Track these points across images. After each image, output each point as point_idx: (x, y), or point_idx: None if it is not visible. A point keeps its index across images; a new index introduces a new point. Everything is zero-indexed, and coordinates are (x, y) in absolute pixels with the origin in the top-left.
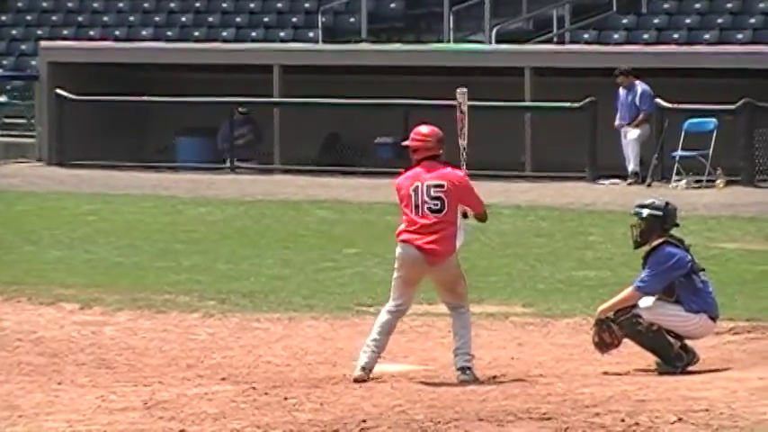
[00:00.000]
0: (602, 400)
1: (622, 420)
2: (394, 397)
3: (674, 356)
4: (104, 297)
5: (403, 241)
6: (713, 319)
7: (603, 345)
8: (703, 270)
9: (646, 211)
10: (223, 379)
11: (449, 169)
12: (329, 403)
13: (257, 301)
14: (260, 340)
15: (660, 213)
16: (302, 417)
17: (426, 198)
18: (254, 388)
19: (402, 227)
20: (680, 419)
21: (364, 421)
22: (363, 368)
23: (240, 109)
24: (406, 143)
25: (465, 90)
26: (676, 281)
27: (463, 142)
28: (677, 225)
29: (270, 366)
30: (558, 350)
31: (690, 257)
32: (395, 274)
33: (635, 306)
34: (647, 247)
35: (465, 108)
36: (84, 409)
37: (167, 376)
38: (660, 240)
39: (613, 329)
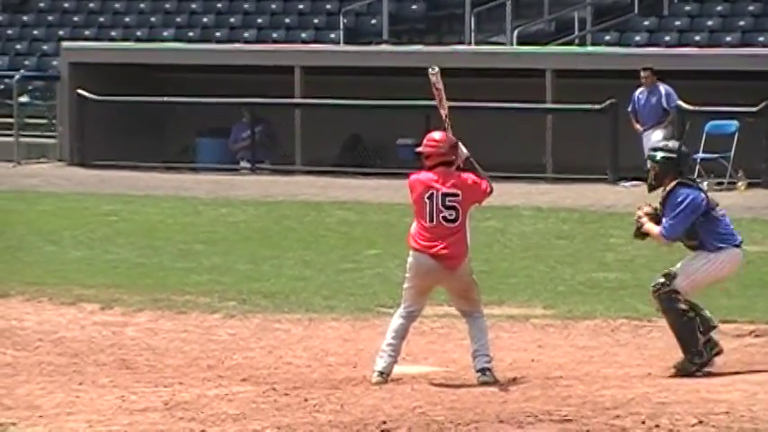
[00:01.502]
0: (622, 402)
1: (643, 423)
2: (414, 398)
3: (695, 351)
4: (125, 298)
5: (417, 250)
6: (737, 246)
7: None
8: (718, 204)
9: (660, 154)
10: (244, 380)
11: (462, 175)
12: (350, 404)
13: (278, 302)
14: (281, 341)
15: (674, 155)
16: (323, 418)
17: (442, 207)
18: (274, 389)
19: (414, 233)
20: (700, 422)
21: (384, 423)
22: (381, 373)
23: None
24: (419, 149)
25: (437, 69)
26: (698, 222)
27: (444, 111)
28: (691, 168)
29: (290, 367)
30: (579, 352)
31: (704, 196)
32: (406, 284)
33: (673, 277)
34: (661, 193)
35: (440, 85)
36: (105, 409)
37: (188, 377)
38: (674, 183)
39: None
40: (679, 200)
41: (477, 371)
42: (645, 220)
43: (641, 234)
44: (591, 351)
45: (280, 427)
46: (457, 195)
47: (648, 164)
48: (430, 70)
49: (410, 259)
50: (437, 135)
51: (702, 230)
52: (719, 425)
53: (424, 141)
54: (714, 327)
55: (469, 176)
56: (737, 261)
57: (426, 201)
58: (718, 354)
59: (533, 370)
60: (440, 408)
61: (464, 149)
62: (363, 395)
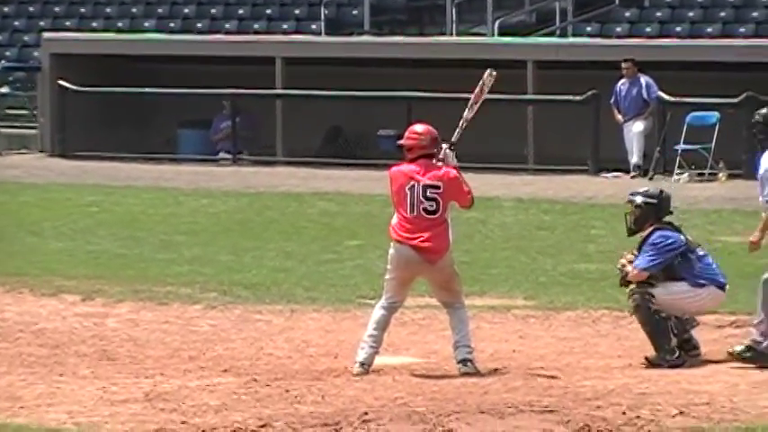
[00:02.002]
0: (603, 393)
1: (624, 413)
2: (395, 389)
3: (668, 349)
4: (106, 289)
5: (398, 241)
6: (722, 288)
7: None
8: (700, 246)
9: (640, 199)
10: (225, 371)
11: (443, 169)
12: (331, 395)
13: (259, 294)
14: (262, 332)
15: (655, 201)
16: (304, 409)
17: (422, 198)
18: (255, 380)
19: (395, 225)
20: (681, 413)
21: (366, 413)
22: (362, 364)
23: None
24: (400, 142)
25: (494, 73)
26: (676, 262)
27: (468, 114)
28: (671, 213)
29: (272, 358)
30: (560, 343)
31: (684, 238)
32: (388, 276)
33: (651, 285)
34: (639, 237)
35: (486, 89)
36: (86, 400)
37: (169, 368)
38: (651, 228)
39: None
40: (655, 240)
41: (459, 362)
42: (629, 268)
43: (627, 282)
44: (572, 342)
45: (261, 418)
46: (438, 188)
47: (628, 207)
48: (488, 71)
49: (391, 251)
50: (419, 128)
51: (682, 270)
52: (700, 415)
53: (406, 134)
54: (695, 326)
55: (455, 174)
56: (718, 300)
57: (407, 192)
58: (696, 356)
59: (514, 361)
60: (421, 399)
61: (454, 160)
62: (344, 386)
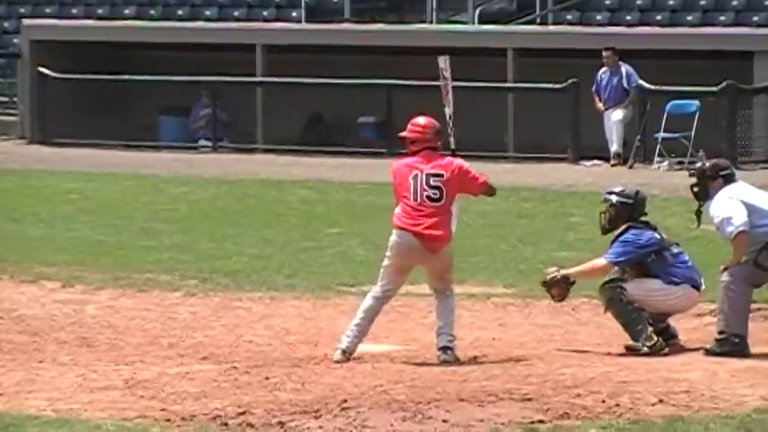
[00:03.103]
0: (583, 381)
1: (603, 401)
2: (375, 377)
3: (645, 336)
4: (86, 275)
5: (401, 228)
6: (696, 288)
7: (551, 295)
8: (677, 244)
9: (615, 198)
10: (204, 358)
11: (447, 159)
12: (310, 383)
13: (239, 281)
14: (241, 320)
15: (630, 201)
16: (283, 396)
17: (426, 186)
18: (235, 367)
19: (399, 212)
20: (661, 401)
21: (345, 401)
22: (344, 351)
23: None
24: (403, 134)
25: (447, 57)
26: (649, 260)
27: (449, 110)
28: (645, 213)
29: (251, 346)
30: (540, 331)
31: (658, 236)
32: (386, 261)
33: (623, 280)
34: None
35: (448, 74)
36: (65, 387)
37: (148, 355)
38: (624, 227)
39: (562, 289)
40: (627, 237)
41: (439, 348)
42: (562, 272)
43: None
44: (552, 330)
45: (240, 405)
46: (441, 176)
47: (603, 206)
48: (440, 57)
49: (393, 237)
50: (422, 120)
51: (656, 268)
52: (680, 403)
53: (409, 126)
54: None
55: (463, 164)
56: (692, 301)
57: (411, 181)
58: (675, 345)
59: (494, 349)
60: (401, 386)
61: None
62: (324, 374)
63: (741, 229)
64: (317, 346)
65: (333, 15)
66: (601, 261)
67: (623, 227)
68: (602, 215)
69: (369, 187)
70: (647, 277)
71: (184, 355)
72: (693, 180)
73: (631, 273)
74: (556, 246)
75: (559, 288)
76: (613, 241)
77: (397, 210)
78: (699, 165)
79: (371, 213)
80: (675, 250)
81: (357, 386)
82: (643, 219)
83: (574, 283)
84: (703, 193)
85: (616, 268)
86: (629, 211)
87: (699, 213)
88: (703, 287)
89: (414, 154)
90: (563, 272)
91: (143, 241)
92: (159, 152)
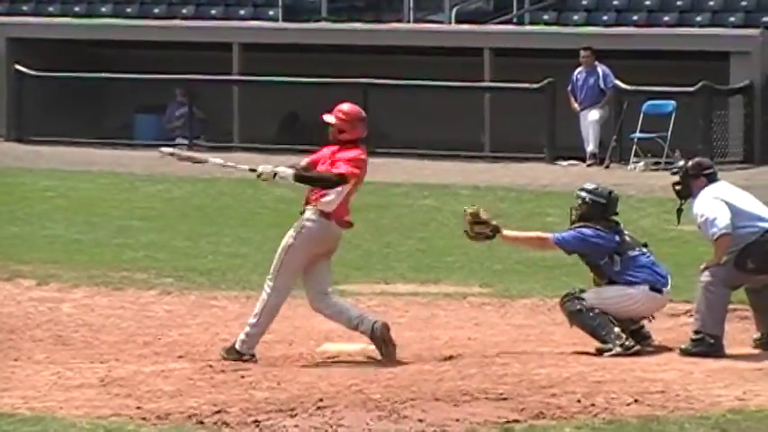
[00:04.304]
0: (558, 380)
1: (578, 401)
2: (350, 376)
3: (613, 336)
4: (61, 273)
5: (348, 224)
6: (658, 291)
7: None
8: (643, 245)
9: (588, 196)
10: (180, 357)
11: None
12: (286, 382)
13: (215, 279)
14: (217, 318)
15: (603, 201)
16: (259, 395)
17: None
18: (210, 366)
19: (341, 208)
20: (636, 401)
21: (321, 400)
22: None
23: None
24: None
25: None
26: (602, 262)
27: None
28: (616, 213)
29: (227, 344)
30: (515, 331)
31: (619, 239)
32: (299, 253)
33: (582, 291)
34: None
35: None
36: (41, 385)
37: (124, 353)
38: (580, 224)
39: (484, 234)
40: (585, 232)
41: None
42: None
43: (478, 230)
44: (527, 330)
45: (216, 403)
46: None
47: (575, 202)
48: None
49: (331, 228)
50: (345, 107)
51: (608, 270)
52: (655, 404)
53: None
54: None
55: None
56: (656, 304)
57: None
58: (648, 345)
59: (470, 348)
60: (376, 385)
61: (287, 170)
62: (300, 373)
63: (724, 231)
64: (292, 345)
65: (310, 14)
66: (548, 235)
67: (579, 225)
68: (573, 210)
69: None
70: (601, 278)
71: (160, 353)
72: (675, 178)
73: (597, 280)
74: None
75: (484, 233)
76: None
77: (338, 202)
78: (681, 163)
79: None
80: (633, 253)
81: (333, 385)
82: (613, 218)
83: (494, 237)
84: (685, 192)
85: (562, 252)
86: (600, 210)
87: (680, 211)
88: (667, 288)
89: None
90: (505, 232)
91: (118, 239)
92: (135, 150)
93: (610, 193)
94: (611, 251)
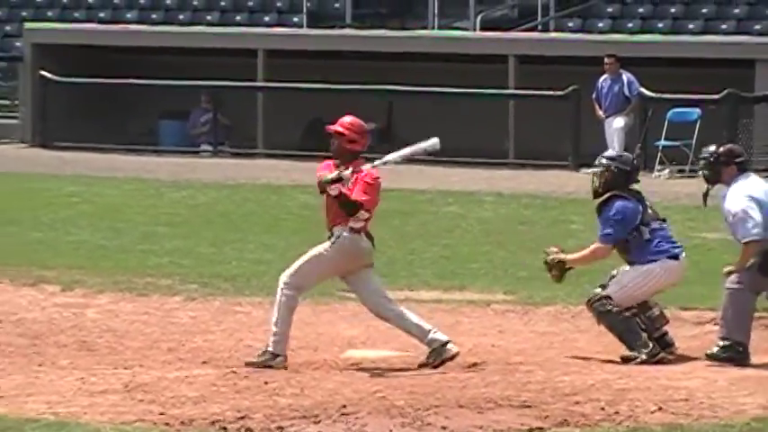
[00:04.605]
0: (582, 388)
1: (602, 409)
2: (374, 383)
3: (640, 344)
4: (86, 279)
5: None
6: (675, 257)
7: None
8: (662, 220)
9: (614, 164)
10: (204, 363)
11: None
12: (310, 388)
13: (239, 286)
14: (241, 324)
15: (628, 169)
16: (282, 401)
17: None
18: (234, 372)
19: (366, 221)
20: (660, 408)
21: (344, 406)
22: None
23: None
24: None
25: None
26: (630, 237)
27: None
28: (638, 181)
29: (251, 350)
30: (539, 338)
31: (641, 208)
32: (328, 264)
33: (603, 287)
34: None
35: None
36: (65, 391)
37: (148, 359)
38: (610, 194)
39: (560, 272)
40: (612, 213)
41: None
42: (561, 256)
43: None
44: (551, 337)
45: (239, 410)
46: None
47: (598, 170)
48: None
49: (361, 243)
50: (347, 119)
51: (633, 245)
52: (679, 411)
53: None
54: (665, 323)
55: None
56: (675, 272)
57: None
58: (671, 353)
59: (493, 355)
60: (399, 392)
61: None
62: (323, 379)
63: (755, 237)
64: (316, 351)
65: (334, 21)
66: (597, 245)
67: (609, 194)
68: (596, 178)
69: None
70: (625, 251)
71: (184, 359)
72: (703, 163)
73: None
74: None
75: (558, 271)
76: (599, 211)
77: (365, 216)
78: (712, 148)
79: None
80: (655, 225)
81: (356, 392)
82: (634, 187)
83: (570, 269)
84: (714, 177)
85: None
86: (624, 177)
87: (706, 195)
88: (683, 255)
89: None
90: (562, 256)
91: (143, 245)
92: (160, 156)
93: (633, 160)
94: (637, 223)
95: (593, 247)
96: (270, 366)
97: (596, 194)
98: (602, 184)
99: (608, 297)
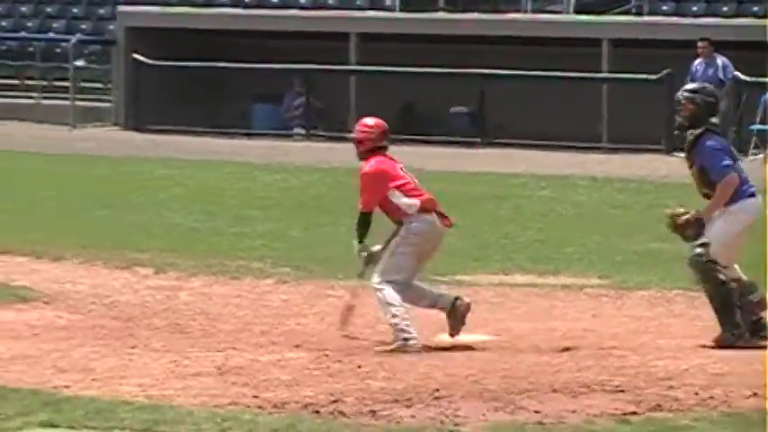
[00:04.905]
0: (676, 373)
1: (696, 394)
2: (467, 367)
3: (734, 323)
4: (179, 262)
5: (439, 213)
6: (752, 195)
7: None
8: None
9: (699, 97)
10: (296, 346)
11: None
12: (402, 372)
13: (331, 269)
14: (333, 308)
15: (714, 100)
16: (375, 385)
17: (414, 177)
18: (327, 355)
19: (424, 200)
20: (755, 394)
21: (437, 390)
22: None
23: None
24: (352, 136)
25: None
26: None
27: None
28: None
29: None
30: (633, 322)
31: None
32: (407, 249)
33: (702, 244)
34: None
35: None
36: (158, 373)
37: (241, 342)
38: (703, 129)
39: (696, 229)
40: (716, 145)
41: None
42: (693, 213)
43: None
44: (645, 322)
45: (332, 393)
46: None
47: (685, 104)
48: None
49: (426, 222)
50: (370, 121)
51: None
52: None
53: (357, 128)
54: (763, 308)
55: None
56: (754, 209)
57: (404, 173)
58: (763, 337)
59: (587, 340)
60: (493, 376)
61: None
62: (416, 362)
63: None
64: None
65: (427, 4)
66: (720, 181)
67: (700, 130)
68: (681, 112)
69: (462, 177)
70: (709, 188)
71: (276, 342)
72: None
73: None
74: (649, 237)
75: (694, 229)
76: (691, 147)
77: (412, 201)
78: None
79: (463, 202)
80: (737, 163)
81: (449, 376)
82: (714, 121)
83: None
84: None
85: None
86: (709, 109)
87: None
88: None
89: (368, 156)
90: (694, 213)
91: (236, 228)
92: (252, 139)
93: (715, 91)
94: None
95: (719, 187)
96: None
97: (682, 128)
98: (688, 117)
99: (714, 261)
